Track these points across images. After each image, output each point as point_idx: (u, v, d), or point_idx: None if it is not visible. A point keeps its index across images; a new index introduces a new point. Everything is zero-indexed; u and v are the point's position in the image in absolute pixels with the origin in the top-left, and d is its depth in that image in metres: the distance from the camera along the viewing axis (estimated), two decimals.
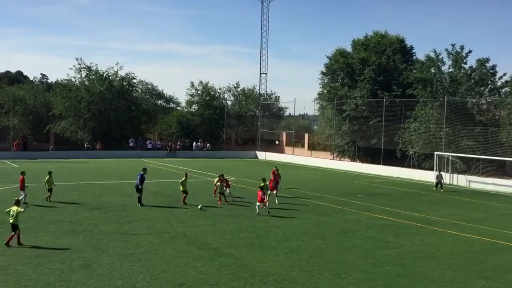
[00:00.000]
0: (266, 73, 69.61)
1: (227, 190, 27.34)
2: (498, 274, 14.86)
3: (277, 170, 30.25)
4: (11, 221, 16.52)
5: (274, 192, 26.97)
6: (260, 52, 69.15)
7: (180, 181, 26.40)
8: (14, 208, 16.55)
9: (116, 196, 27.46)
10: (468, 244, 18.78)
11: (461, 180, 39.30)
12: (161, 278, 13.50)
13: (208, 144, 65.29)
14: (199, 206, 24.00)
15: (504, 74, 44.39)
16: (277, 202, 26.16)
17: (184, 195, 25.69)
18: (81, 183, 33.16)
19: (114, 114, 59.83)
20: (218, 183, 26.66)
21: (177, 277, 13.66)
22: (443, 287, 13.52)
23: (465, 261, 16.24)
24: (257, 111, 71.13)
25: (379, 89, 50.32)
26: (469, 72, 44.98)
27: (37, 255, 15.48)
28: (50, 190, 25.42)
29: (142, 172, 25.42)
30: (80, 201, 25.76)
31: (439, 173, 36.32)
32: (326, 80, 57.43)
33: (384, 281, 13.83)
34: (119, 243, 17.15)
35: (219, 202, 25.77)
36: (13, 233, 16.47)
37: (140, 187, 24.84)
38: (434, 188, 35.22)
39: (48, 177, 25.61)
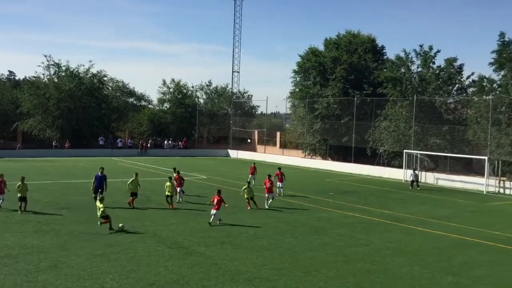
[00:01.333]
0: (238, 72, 69.67)
1: (177, 189, 25.82)
2: (465, 270, 15.14)
3: (280, 169, 30.67)
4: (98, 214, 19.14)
5: (270, 194, 25.51)
6: (233, 51, 69.16)
7: (128, 182, 24.83)
8: (98, 204, 19.30)
9: (85, 196, 26.97)
10: (436, 241, 19.10)
11: (429, 178, 39.92)
12: (131, 278, 13.35)
13: (180, 142, 64.95)
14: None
15: (472, 74, 45.40)
16: (266, 207, 25.18)
17: (132, 198, 24.26)
18: (49, 182, 32.61)
19: (84, 112, 58.95)
20: (168, 183, 24.61)
21: (148, 276, 13.54)
22: (412, 283, 13.71)
23: (433, 258, 16.50)
24: (229, 110, 71.06)
25: (351, 88, 50.80)
26: (437, 72, 45.84)
27: (3, 256, 15.15)
28: (23, 199, 22.26)
29: (99, 173, 24.40)
30: (48, 201, 25.34)
31: (414, 172, 36.61)
32: (298, 79, 57.74)
33: (354, 278, 13.95)
34: (88, 243, 16.91)
35: (171, 207, 24.06)
36: (104, 220, 18.93)
37: (104, 188, 24.01)
38: (410, 187, 35.32)
39: (20, 183, 22.49)
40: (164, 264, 14.74)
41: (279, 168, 31.00)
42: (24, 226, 19.24)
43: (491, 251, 17.73)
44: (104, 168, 25.37)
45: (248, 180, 29.12)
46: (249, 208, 24.66)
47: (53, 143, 57.92)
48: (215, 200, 20.72)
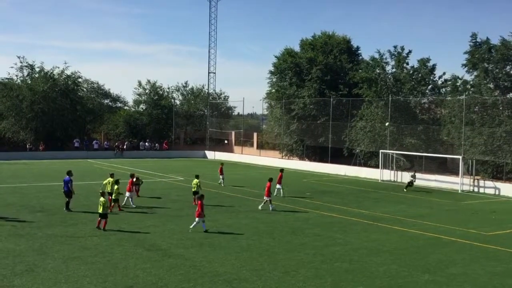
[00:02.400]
0: (214, 72, 69.61)
1: (127, 193, 24.91)
2: (441, 268, 15.36)
3: (282, 171, 30.57)
4: (100, 210, 19.24)
5: (268, 198, 24.80)
6: (209, 51, 69.06)
7: (109, 183, 24.40)
8: (102, 199, 19.29)
9: (60, 198, 26.48)
10: (412, 240, 19.33)
11: (405, 177, 40.31)
12: (109, 281, 13.22)
13: (157, 144, 64.64)
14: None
15: (444, 74, 46.12)
16: (269, 208, 24.63)
17: (109, 197, 23.60)
18: (23, 185, 32.08)
19: (58, 114, 58.15)
20: (116, 186, 23.40)
21: (125, 279, 13.42)
22: (389, 282, 13.86)
23: (409, 256, 16.70)
24: (205, 111, 70.89)
25: (327, 89, 51.13)
26: (411, 72, 46.44)
27: None
28: None
29: (68, 176, 23.45)
30: (23, 204, 24.92)
31: (414, 173, 36.18)
32: (274, 80, 57.93)
33: (332, 278, 14.04)
34: (64, 246, 16.68)
35: (110, 210, 21.88)
36: (100, 219, 19.27)
37: (70, 191, 23.22)
38: (405, 189, 34.61)
39: None
40: (142, 266, 14.63)
41: (281, 170, 30.84)
42: None
43: (466, 249, 18.01)
44: (71, 170, 24.28)
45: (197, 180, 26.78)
46: (194, 203, 24.89)
47: (27, 146, 57.03)
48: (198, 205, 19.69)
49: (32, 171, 41.40)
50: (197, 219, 19.49)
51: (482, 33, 67.02)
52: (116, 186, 23.58)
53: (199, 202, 19.78)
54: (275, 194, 27.74)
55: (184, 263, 15.11)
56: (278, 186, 29.37)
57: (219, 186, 33.51)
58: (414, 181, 35.57)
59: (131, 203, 24.80)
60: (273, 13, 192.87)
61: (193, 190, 25.84)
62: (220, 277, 13.79)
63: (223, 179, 34.38)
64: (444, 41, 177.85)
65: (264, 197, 24.93)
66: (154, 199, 27.26)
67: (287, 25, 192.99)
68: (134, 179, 26.39)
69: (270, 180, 25.58)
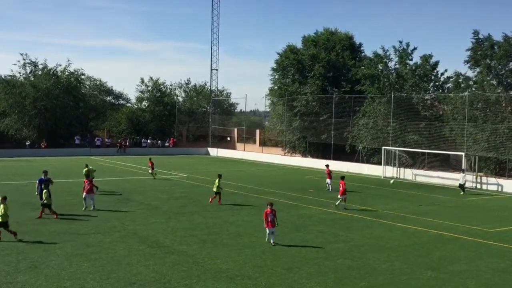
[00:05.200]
0: (217, 69, 69.50)
1: (84, 194, 23.25)
2: (444, 265, 15.34)
3: (327, 166, 31.77)
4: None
5: (344, 196, 24.95)
6: (211, 49, 69.02)
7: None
8: (1, 206, 17.11)
9: (63, 195, 26.68)
10: (415, 236, 19.30)
11: (408, 174, 40.33)
12: (112, 278, 13.25)
13: (159, 141, 64.70)
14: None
15: (446, 71, 45.95)
16: (336, 205, 25.00)
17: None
18: (25, 182, 32.10)
19: (61, 111, 58.30)
20: (45, 190, 21.09)
21: (128, 276, 13.44)
22: (392, 279, 13.85)
23: (412, 253, 16.68)
24: (208, 108, 70.90)
25: (329, 85, 51.08)
26: (413, 68, 46.26)
27: None
28: None
29: (42, 176, 22.88)
30: (26, 201, 24.98)
31: (464, 174, 33.64)
32: (277, 77, 57.88)
33: (335, 274, 14.04)
34: (67, 243, 16.72)
35: (39, 216, 20.84)
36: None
37: (45, 193, 21.36)
38: (462, 193, 31.98)
39: None
40: (145, 263, 14.65)
41: (327, 166, 32.09)
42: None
43: (469, 246, 17.99)
44: (47, 171, 23.82)
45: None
46: (210, 201, 25.34)
47: (26, 143, 56.93)
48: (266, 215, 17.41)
49: (34, 168, 41.41)
50: (268, 229, 17.40)
51: (485, 30, 66.95)
52: (45, 190, 21.25)
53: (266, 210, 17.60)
54: (326, 189, 27.77)
55: (187, 259, 15.13)
56: (328, 181, 30.52)
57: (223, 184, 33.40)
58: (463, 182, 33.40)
59: (92, 205, 22.95)
60: (275, 10, 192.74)
61: (214, 190, 25.62)
62: (223, 274, 13.81)
63: (152, 173, 35.06)
64: (446, 38, 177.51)
65: (339, 196, 25.01)
66: (157, 196, 27.30)
67: (289, 22, 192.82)
68: (88, 173, 26.38)
69: (343, 178, 25.61)
